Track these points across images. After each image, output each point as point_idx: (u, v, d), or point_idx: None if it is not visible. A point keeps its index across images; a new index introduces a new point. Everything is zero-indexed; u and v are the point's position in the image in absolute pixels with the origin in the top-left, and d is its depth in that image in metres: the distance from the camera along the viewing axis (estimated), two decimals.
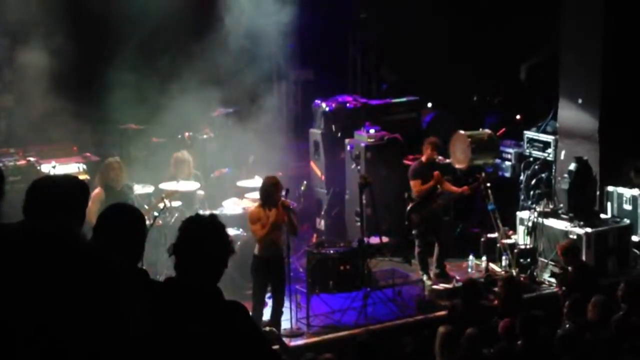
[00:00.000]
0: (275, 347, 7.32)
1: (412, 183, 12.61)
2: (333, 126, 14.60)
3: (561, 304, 9.88)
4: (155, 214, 11.53)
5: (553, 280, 12.25)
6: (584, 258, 12.17)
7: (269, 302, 10.94)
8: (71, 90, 13.17)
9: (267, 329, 9.78)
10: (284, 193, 11.51)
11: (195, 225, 4.15)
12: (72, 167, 12.79)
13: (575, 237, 12.50)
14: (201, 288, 4.02)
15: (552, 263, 12.37)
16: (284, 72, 15.84)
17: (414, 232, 12.76)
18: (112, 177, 11.60)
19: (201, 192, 12.84)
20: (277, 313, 10.81)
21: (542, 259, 12.74)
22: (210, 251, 4.06)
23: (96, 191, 11.32)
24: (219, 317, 4.00)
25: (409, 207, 12.65)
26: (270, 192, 10.69)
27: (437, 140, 12.82)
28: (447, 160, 13.62)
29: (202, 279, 4.04)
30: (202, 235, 4.10)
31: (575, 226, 12.69)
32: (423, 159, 12.69)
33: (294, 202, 12.95)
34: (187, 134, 13.93)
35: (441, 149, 12.83)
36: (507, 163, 14.80)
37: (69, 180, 4.39)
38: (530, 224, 13.06)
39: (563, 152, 13.94)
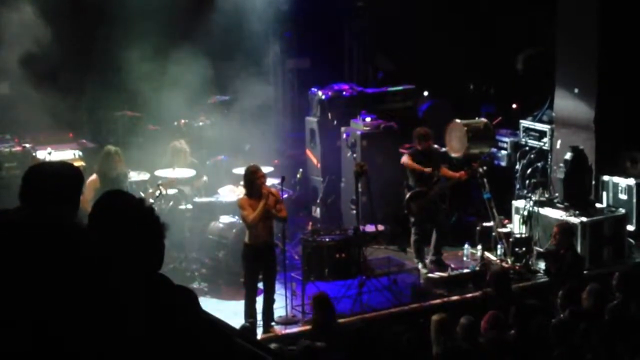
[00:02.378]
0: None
1: (409, 163, 12.50)
2: (329, 114, 14.59)
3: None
4: (151, 201, 11.53)
5: (542, 266, 12.26)
6: (579, 247, 12.21)
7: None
8: (67, 77, 13.16)
9: (247, 324, 9.82)
10: (278, 181, 11.52)
11: (106, 209, 4.10)
12: (67, 154, 12.78)
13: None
14: (144, 271, 3.96)
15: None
16: (280, 60, 15.82)
17: (414, 220, 12.70)
18: (110, 166, 11.59)
19: (205, 178, 12.89)
20: (268, 301, 10.81)
21: (538, 248, 12.75)
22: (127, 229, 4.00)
23: (92, 178, 11.31)
24: (171, 302, 3.96)
25: (407, 196, 12.61)
26: (250, 179, 10.66)
27: (425, 131, 12.71)
28: (443, 149, 13.62)
29: (140, 261, 3.98)
30: (114, 221, 4.04)
31: (570, 215, 12.70)
32: (419, 147, 12.65)
33: (289, 191, 12.97)
34: (182, 121, 13.93)
35: (431, 138, 12.72)
36: (503, 152, 14.81)
37: (65, 167, 4.39)
38: (525, 213, 13.07)
39: (559, 142, 13.96)
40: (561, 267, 11.17)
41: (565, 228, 11.69)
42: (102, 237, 4.09)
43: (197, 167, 12.84)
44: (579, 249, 12.24)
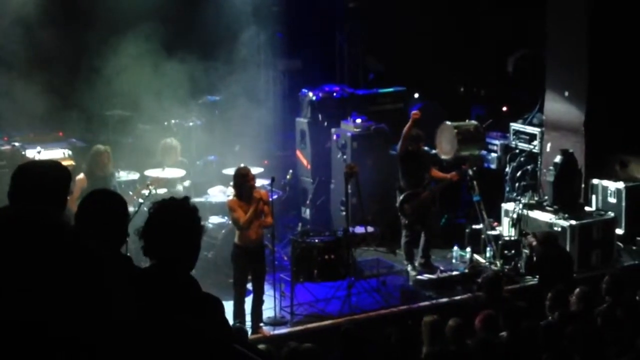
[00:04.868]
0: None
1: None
2: (319, 115, 14.58)
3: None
4: (140, 200, 11.49)
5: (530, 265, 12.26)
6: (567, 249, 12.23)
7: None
8: (57, 76, 13.11)
9: (237, 325, 9.80)
10: (268, 182, 11.50)
11: (166, 209, 4.09)
12: (57, 153, 12.74)
13: (559, 229, 12.55)
14: (176, 274, 3.95)
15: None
16: (271, 61, 15.80)
17: (405, 222, 12.66)
18: (99, 165, 11.55)
19: (187, 183, 12.81)
20: (257, 302, 10.79)
21: (526, 251, 12.75)
22: (181, 235, 3.99)
23: (79, 177, 11.27)
24: (197, 307, 3.95)
25: (401, 197, 12.56)
26: (240, 182, 10.65)
27: (416, 132, 12.66)
28: (434, 151, 13.62)
29: (175, 264, 3.97)
30: (172, 218, 4.03)
31: (559, 218, 12.72)
32: (410, 148, 12.57)
33: (278, 192, 12.95)
34: (172, 121, 13.90)
35: (422, 140, 12.68)
36: (493, 154, 14.82)
37: (53, 165, 4.40)
38: (515, 215, 13.07)
39: (549, 145, 13.98)
40: (545, 269, 11.18)
41: (544, 239, 11.69)
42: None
43: (186, 166, 12.80)
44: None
